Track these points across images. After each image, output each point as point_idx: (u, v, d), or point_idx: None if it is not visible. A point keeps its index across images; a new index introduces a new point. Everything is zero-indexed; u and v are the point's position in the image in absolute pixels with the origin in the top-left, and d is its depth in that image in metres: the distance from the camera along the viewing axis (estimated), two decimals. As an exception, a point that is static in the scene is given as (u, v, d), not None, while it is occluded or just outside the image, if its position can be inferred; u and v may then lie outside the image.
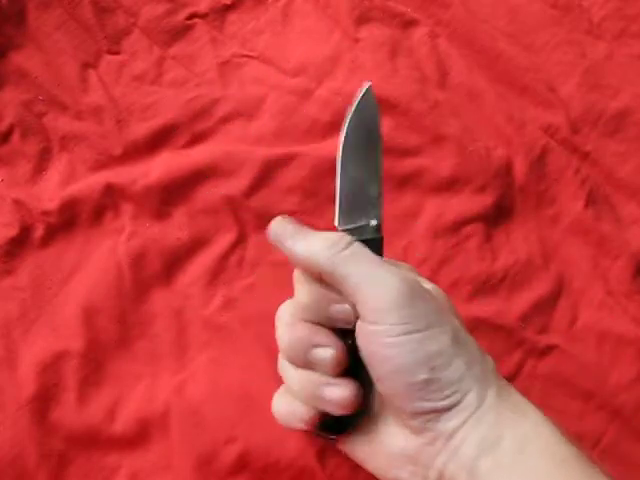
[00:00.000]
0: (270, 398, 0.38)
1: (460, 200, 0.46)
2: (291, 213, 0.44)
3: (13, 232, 0.42)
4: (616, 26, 0.55)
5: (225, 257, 0.43)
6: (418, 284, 0.28)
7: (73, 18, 0.49)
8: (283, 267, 0.43)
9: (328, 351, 0.28)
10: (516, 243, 0.45)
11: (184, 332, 0.41)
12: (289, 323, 0.30)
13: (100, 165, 0.45)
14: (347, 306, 0.28)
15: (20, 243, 0.42)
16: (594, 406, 0.40)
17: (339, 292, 0.28)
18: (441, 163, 0.46)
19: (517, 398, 0.28)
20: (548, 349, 0.42)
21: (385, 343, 0.26)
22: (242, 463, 0.37)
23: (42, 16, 0.48)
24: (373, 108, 0.31)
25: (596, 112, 0.51)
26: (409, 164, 0.46)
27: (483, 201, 0.46)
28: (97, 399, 0.38)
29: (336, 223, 0.30)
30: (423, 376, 0.26)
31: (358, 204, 0.30)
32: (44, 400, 0.37)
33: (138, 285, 0.41)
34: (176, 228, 0.43)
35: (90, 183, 0.44)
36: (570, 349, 0.42)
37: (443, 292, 0.31)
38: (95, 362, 0.39)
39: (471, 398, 0.26)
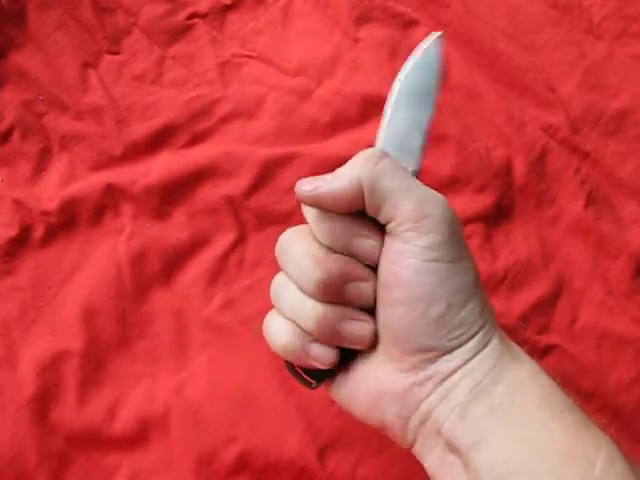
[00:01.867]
0: (270, 398, 0.38)
1: (460, 200, 0.46)
2: (291, 213, 0.44)
3: (13, 232, 0.42)
4: (616, 26, 0.55)
5: (225, 257, 0.43)
6: (456, 212, 0.26)
7: (73, 18, 0.49)
8: (283, 267, 0.43)
9: (370, 285, 0.27)
10: (516, 243, 0.45)
11: (184, 332, 0.41)
12: (319, 257, 0.27)
13: (100, 165, 0.45)
14: (373, 241, 0.27)
15: (20, 243, 0.42)
16: (594, 406, 0.40)
17: (363, 228, 0.27)
18: (441, 163, 0.46)
19: (515, 348, 0.27)
20: (548, 349, 0.42)
21: (412, 265, 0.25)
22: (242, 463, 0.37)
23: (42, 16, 0.48)
24: (435, 61, 0.31)
25: (596, 112, 0.51)
26: (409, 164, 0.46)
27: (483, 201, 0.46)
28: (97, 399, 0.38)
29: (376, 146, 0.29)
30: (439, 311, 0.25)
31: (400, 148, 0.29)
32: (44, 400, 0.37)
33: (138, 285, 0.41)
34: (176, 228, 0.43)
35: (90, 183, 0.44)
36: (570, 349, 0.42)
37: None
38: (95, 362, 0.39)
39: (475, 342, 0.25)
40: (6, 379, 0.38)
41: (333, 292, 0.27)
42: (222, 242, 0.43)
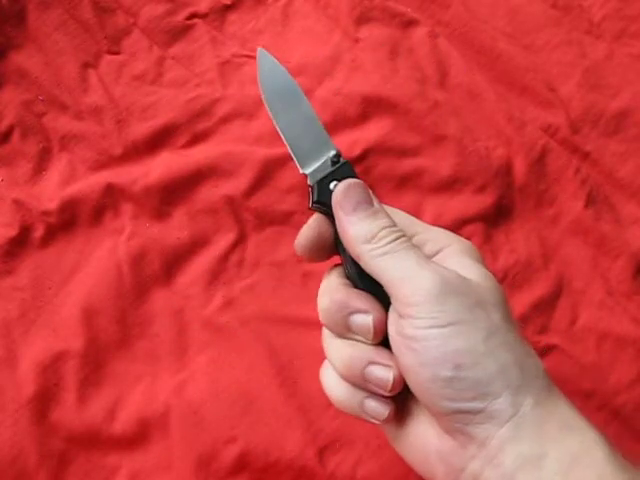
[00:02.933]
0: (270, 398, 0.38)
1: (460, 200, 0.46)
2: (291, 213, 0.44)
3: (13, 232, 0.42)
4: (616, 26, 0.55)
5: (225, 257, 0.43)
6: (452, 277, 0.26)
7: (73, 18, 0.49)
8: (283, 267, 0.43)
9: (368, 317, 0.28)
10: (516, 243, 0.45)
11: (184, 332, 0.41)
12: (331, 288, 0.30)
13: (100, 165, 0.45)
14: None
15: (20, 243, 0.42)
16: (594, 406, 0.40)
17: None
18: (441, 163, 0.46)
19: (565, 411, 0.25)
20: (548, 349, 0.42)
21: (413, 336, 0.25)
22: (242, 463, 0.37)
23: (42, 16, 0.48)
24: (273, 64, 0.32)
25: (596, 112, 0.51)
26: (409, 164, 0.46)
27: (483, 201, 0.46)
28: (97, 399, 0.38)
29: (301, 171, 0.30)
30: (447, 373, 0.25)
31: (309, 144, 0.30)
32: (44, 400, 0.37)
33: (138, 285, 0.41)
34: (176, 228, 0.43)
35: (90, 183, 0.44)
36: (570, 349, 0.42)
37: (495, 283, 0.28)
38: (95, 362, 0.39)
39: (501, 404, 0.24)
40: (6, 379, 0.38)
41: (333, 324, 0.29)
42: (222, 242, 0.43)
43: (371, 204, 0.29)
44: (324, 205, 0.29)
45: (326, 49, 0.51)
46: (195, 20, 0.52)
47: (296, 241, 0.31)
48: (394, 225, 0.29)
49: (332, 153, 0.30)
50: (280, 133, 0.31)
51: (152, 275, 0.42)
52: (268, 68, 0.32)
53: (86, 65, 0.48)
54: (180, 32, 0.51)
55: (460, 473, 0.26)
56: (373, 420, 0.28)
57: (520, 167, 0.47)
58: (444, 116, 0.48)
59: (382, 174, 0.46)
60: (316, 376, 0.39)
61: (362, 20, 0.52)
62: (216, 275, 0.43)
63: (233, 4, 0.53)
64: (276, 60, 0.32)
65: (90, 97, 0.47)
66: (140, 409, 0.38)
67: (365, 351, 0.28)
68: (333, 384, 0.29)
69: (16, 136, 0.45)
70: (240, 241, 0.44)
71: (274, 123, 0.31)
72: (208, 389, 0.38)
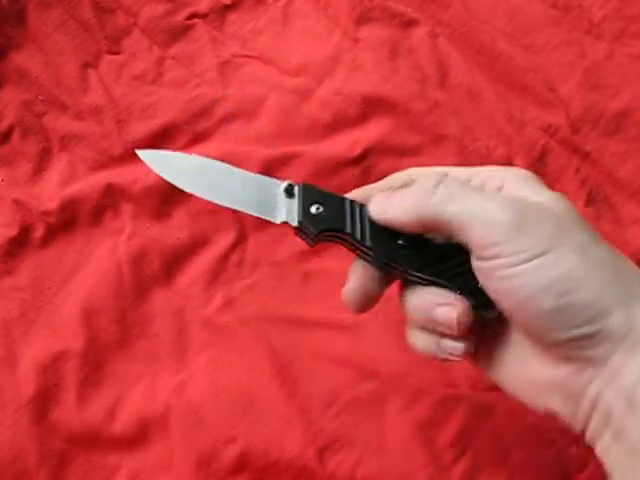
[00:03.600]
0: (270, 398, 0.38)
1: (460, 200, 0.46)
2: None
3: (13, 232, 0.42)
4: (616, 26, 0.55)
5: (225, 257, 0.43)
6: (526, 204, 0.26)
7: (73, 18, 0.49)
8: (283, 267, 0.43)
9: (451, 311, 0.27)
10: (516, 243, 0.45)
11: (184, 332, 0.41)
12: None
13: (100, 165, 0.45)
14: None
15: (20, 243, 0.42)
16: (594, 406, 0.40)
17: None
18: (441, 163, 0.46)
19: None
20: (548, 349, 0.42)
21: (504, 276, 0.24)
22: (242, 463, 0.37)
23: (42, 16, 0.48)
24: (162, 156, 0.31)
25: (596, 112, 0.51)
26: (409, 164, 0.46)
27: (483, 201, 0.46)
28: (97, 399, 0.38)
29: (278, 222, 0.30)
30: (552, 303, 0.24)
31: (258, 196, 0.30)
32: (44, 400, 0.37)
33: (138, 285, 0.41)
34: (176, 228, 0.43)
35: (90, 183, 0.44)
36: (570, 349, 0.42)
37: (566, 201, 0.27)
38: (95, 362, 0.39)
39: (615, 321, 0.23)
40: (6, 379, 0.38)
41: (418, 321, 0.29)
42: (222, 242, 0.43)
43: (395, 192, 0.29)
44: (324, 230, 0.29)
45: (326, 49, 0.51)
46: (195, 20, 0.52)
47: (344, 297, 0.30)
48: (447, 175, 0.28)
49: (283, 187, 0.29)
50: (225, 205, 0.30)
51: (152, 275, 0.42)
52: (162, 162, 0.31)
53: (86, 65, 0.48)
54: (180, 32, 0.51)
55: (579, 399, 0.25)
56: (453, 357, 0.28)
57: (520, 167, 0.47)
58: (444, 116, 0.48)
59: (382, 174, 0.46)
60: (316, 376, 0.39)
61: (362, 20, 0.52)
62: (216, 275, 0.43)
63: (233, 4, 0.53)
64: (158, 152, 0.31)
65: (90, 97, 0.47)
66: (140, 409, 0.38)
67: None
68: (415, 337, 0.29)
69: (16, 136, 0.45)
70: (240, 241, 0.44)
71: (213, 202, 0.30)
72: (208, 389, 0.38)
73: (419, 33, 0.52)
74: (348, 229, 0.28)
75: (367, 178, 0.46)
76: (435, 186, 0.27)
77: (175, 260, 0.43)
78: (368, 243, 0.28)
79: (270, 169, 0.45)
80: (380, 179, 0.46)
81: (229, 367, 0.39)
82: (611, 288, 0.24)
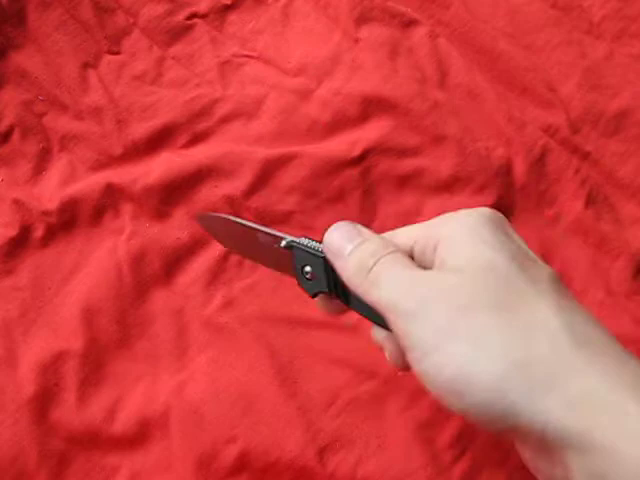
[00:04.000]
0: (270, 398, 0.38)
1: (460, 200, 0.46)
2: (291, 213, 0.44)
3: (13, 232, 0.42)
4: (616, 26, 0.55)
5: (225, 257, 0.43)
6: (432, 285, 0.23)
7: (73, 18, 0.49)
8: (283, 267, 0.43)
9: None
10: (516, 243, 0.45)
11: (184, 332, 0.41)
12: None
13: (100, 165, 0.45)
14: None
15: (20, 243, 0.42)
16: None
17: None
18: (441, 163, 0.46)
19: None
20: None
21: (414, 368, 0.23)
22: (242, 463, 0.37)
23: (42, 16, 0.48)
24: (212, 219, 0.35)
25: (596, 112, 0.50)
26: (409, 164, 0.46)
27: (483, 201, 0.46)
28: (97, 399, 0.38)
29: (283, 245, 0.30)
30: (457, 402, 0.22)
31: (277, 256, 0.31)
32: (44, 400, 0.37)
33: (138, 285, 0.41)
34: (176, 228, 0.43)
35: (90, 183, 0.44)
36: (570, 349, 0.42)
37: (492, 262, 0.23)
38: (95, 362, 0.39)
39: (523, 419, 0.21)
40: (6, 379, 0.38)
41: None
42: (222, 242, 0.43)
43: (353, 240, 0.27)
44: (318, 293, 0.31)
45: (326, 49, 0.51)
46: (195, 20, 0.52)
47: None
48: (389, 251, 0.26)
49: (283, 245, 0.30)
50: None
51: (152, 275, 0.42)
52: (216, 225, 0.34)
53: (86, 65, 0.48)
54: (180, 32, 0.51)
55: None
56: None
57: (520, 167, 0.47)
58: (444, 116, 0.48)
59: (382, 174, 0.46)
60: (316, 376, 0.39)
61: (362, 20, 0.52)
62: (216, 275, 0.43)
63: (233, 4, 0.53)
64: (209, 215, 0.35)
65: (90, 97, 0.47)
66: (140, 409, 0.38)
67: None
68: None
69: (16, 136, 0.45)
70: (240, 241, 0.44)
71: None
72: (208, 389, 0.38)
73: (419, 33, 0.52)
74: (328, 288, 0.29)
75: (367, 178, 0.46)
76: (372, 265, 0.25)
77: (175, 260, 0.43)
78: (342, 299, 0.29)
79: (270, 169, 0.45)
80: (380, 179, 0.47)
81: (229, 367, 0.39)
82: (511, 383, 0.21)
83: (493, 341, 0.21)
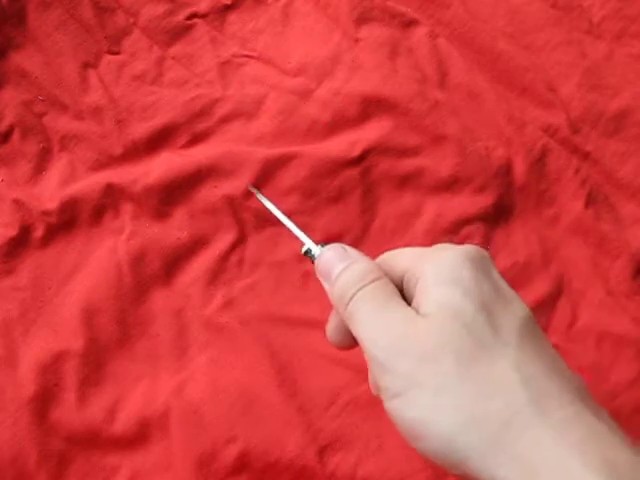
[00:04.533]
0: (270, 398, 0.38)
1: (460, 200, 0.46)
2: (291, 213, 0.44)
3: (13, 232, 0.42)
4: (616, 26, 0.55)
5: (225, 257, 0.43)
6: (402, 330, 0.23)
7: (73, 18, 0.49)
8: (283, 267, 0.44)
9: None
10: (516, 243, 0.45)
11: (184, 332, 0.41)
12: None
13: (100, 165, 0.45)
14: None
15: (20, 243, 0.42)
16: (594, 406, 0.40)
17: None
18: (441, 163, 0.46)
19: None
20: (548, 349, 0.42)
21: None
22: (242, 463, 0.37)
23: (42, 16, 0.48)
24: None
25: (596, 112, 0.50)
26: (409, 164, 0.46)
27: (483, 201, 0.46)
28: (97, 399, 0.38)
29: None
30: (415, 445, 0.23)
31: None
32: (44, 400, 0.37)
33: (138, 285, 0.41)
34: (176, 228, 0.43)
35: (90, 183, 0.44)
36: (570, 349, 0.42)
37: (463, 306, 0.23)
38: (95, 362, 0.39)
39: (473, 473, 0.21)
40: (6, 379, 0.38)
41: None
42: (222, 242, 0.43)
43: (340, 264, 0.27)
44: None
45: (326, 49, 0.51)
46: (195, 20, 0.52)
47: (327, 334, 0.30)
48: (371, 281, 0.26)
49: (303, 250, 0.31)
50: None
51: (152, 275, 0.42)
52: None
53: (86, 65, 0.48)
54: (180, 32, 0.51)
55: None
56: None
57: (520, 167, 0.47)
58: (444, 116, 0.48)
59: (382, 174, 0.46)
60: (316, 376, 0.39)
61: (362, 20, 0.52)
62: (216, 275, 0.43)
63: (233, 4, 0.53)
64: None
65: (90, 97, 0.47)
66: (140, 409, 0.38)
67: None
68: None
69: (16, 136, 0.45)
70: (240, 241, 0.44)
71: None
72: (208, 389, 0.38)
73: (419, 33, 0.52)
74: None
75: (367, 178, 0.46)
76: (350, 296, 0.25)
77: (175, 260, 0.43)
78: None
79: (270, 169, 0.45)
80: (380, 179, 0.47)
81: (229, 367, 0.39)
82: (464, 437, 0.21)
83: (452, 393, 0.22)
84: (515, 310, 0.24)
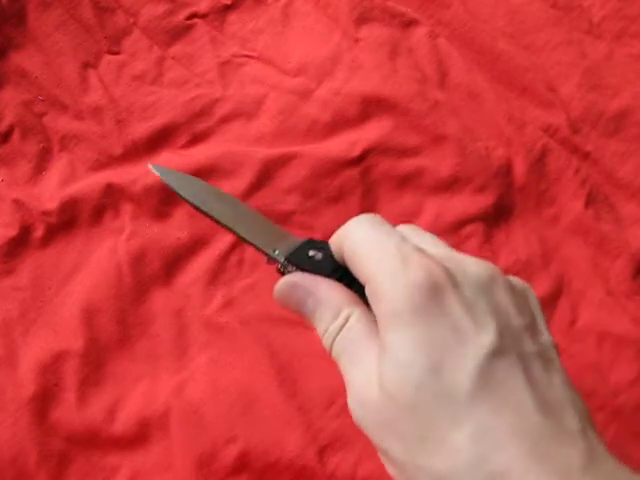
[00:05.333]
0: (270, 398, 0.38)
1: (460, 200, 0.46)
2: (291, 213, 0.44)
3: (13, 232, 0.42)
4: (616, 26, 0.55)
5: (225, 257, 0.43)
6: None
7: (73, 18, 0.49)
8: (283, 267, 0.43)
9: None
10: (516, 243, 0.45)
11: (184, 332, 0.41)
12: None
13: (100, 165, 0.45)
14: None
15: (20, 243, 0.42)
16: (594, 406, 0.40)
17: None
18: (441, 163, 0.46)
19: None
20: (548, 349, 0.42)
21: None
22: (242, 463, 0.37)
23: (42, 16, 0.48)
24: (169, 173, 0.29)
25: (596, 112, 0.50)
26: (409, 164, 0.46)
27: (483, 201, 0.46)
28: (97, 399, 0.38)
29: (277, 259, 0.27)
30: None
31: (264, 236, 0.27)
32: (44, 400, 0.37)
33: (138, 285, 0.41)
34: (176, 228, 0.43)
35: (90, 183, 0.44)
36: (570, 349, 0.42)
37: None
38: (95, 362, 0.39)
39: None
40: (6, 379, 0.38)
41: None
42: (222, 242, 0.43)
43: (307, 300, 0.24)
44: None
45: (326, 49, 0.51)
46: (195, 20, 0.52)
47: None
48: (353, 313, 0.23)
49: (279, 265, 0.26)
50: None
51: (152, 275, 0.42)
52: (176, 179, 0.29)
53: (86, 65, 0.48)
54: (180, 32, 0.51)
55: None
56: None
57: (520, 167, 0.47)
58: (444, 116, 0.48)
59: (382, 174, 0.46)
60: (316, 376, 0.39)
61: (362, 20, 0.52)
62: (216, 275, 0.43)
63: (233, 4, 0.53)
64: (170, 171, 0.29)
65: (90, 97, 0.47)
66: (140, 409, 0.38)
67: None
68: None
69: (16, 136, 0.45)
70: (240, 241, 0.44)
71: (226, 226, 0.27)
72: (208, 389, 0.38)
73: (419, 33, 0.52)
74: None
75: (367, 178, 0.46)
76: (331, 344, 0.23)
77: (175, 260, 0.43)
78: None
79: (270, 169, 0.45)
80: (380, 179, 0.47)
81: (229, 367, 0.39)
82: None
83: (402, 462, 0.20)
84: (472, 350, 0.20)
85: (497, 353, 0.20)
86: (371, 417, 0.21)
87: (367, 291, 0.22)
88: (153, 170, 0.29)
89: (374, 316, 0.22)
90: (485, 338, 0.20)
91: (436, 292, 0.21)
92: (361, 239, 0.24)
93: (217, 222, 0.28)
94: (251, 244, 0.27)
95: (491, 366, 0.20)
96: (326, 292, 0.24)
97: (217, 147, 0.46)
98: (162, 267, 0.42)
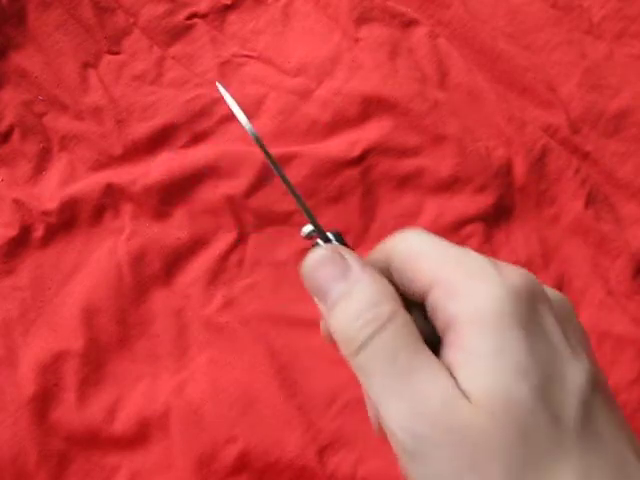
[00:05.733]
0: (270, 398, 0.38)
1: (460, 200, 0.46)
2: (291, 213, 0.44)
3: (13, 232, 0.42)
4: (616, 26, 0.55)
5: (225, 257, 0.43)
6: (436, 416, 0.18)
7: (73, 18, 0.49)
8: (283, 267, 0.43)
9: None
10: (516, 243, 0.45)
11: (184, 332, 0.41)
12: None
13: (100, 165, 0.45)
14: None
15: (20, 243, 0.42)
16: (594, 406, 0.40)
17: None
18: (441, 163, 0.46)
19: None
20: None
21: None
22: (242, 463, 0.37)
23: (42, 16, 0.48)
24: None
25: (596, 112, 0.50)
26: (409, 164, 0.46)
27: (483, 201, 0.46)
28: (97, 399, 0.38)
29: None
30: None
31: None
32: (44, 400, 0.37)
33: (138, 285, 0.41)
34: (176, 228, 0.43)
35: (90, 183, 0.44)
36: (570, 349, 0.42)
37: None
38: (95, 362, 0.39)
39: None
40: (6, 379, 0.38)
41: None
42: (222, 242, 0.43)
43: (341, 280, 0.21)
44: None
45: (326, 49, 0.51)
46: (195, 20, 0.52)
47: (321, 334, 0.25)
48: (390, 320, 0.19)
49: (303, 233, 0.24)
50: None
51: (152, 275, 0.42)
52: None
53: (86, 65, 0.48)
54: (180, 32, 0.51)
55: None
56: None
57: (520, 167, 0.47)
58: (444, 116, 0.48)
59: (382, 174, 0.46)
60: (316, 376, 0.39)
61: (362, 20, 0.52)
62: (216, 275, 0.43)
63: (233, 4, 0.53)
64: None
65: (90, 97, 0.47)
66: (140, 409, 0.38)
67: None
68: None
69: (16, 136, 0.45)
70: (240, 241, 0.44)
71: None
72: (208, 389, 0.38)
73: (419, 33, 0.52)
74: None
75: (367, 178, 0.46)
76: (358, 348, 0.19)
77: (175, 260, 0.43)
78: None
79: (270, 169, 0.45)
80: (380, 179, 0.47)
81: (229, 367, 0.39)
82: None
83: None
84: (574, 378, 0.18)
85: (595, 386, 0.18)
86: (451, 448, 0.17)
87: (435, 294, 0.19)
88: (219, 88, 0.25)
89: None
90: (582, 367, 0.18)
91: (534, 301, 0.19)
92: (421, 243, 0.21)
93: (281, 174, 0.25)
94: (306, 210, 0.25)
95: (590, 400, 0.18)
96: (371, 275, 0.20)
97: (217, 147, 0.46)
98: (162, 267, 0.42)
